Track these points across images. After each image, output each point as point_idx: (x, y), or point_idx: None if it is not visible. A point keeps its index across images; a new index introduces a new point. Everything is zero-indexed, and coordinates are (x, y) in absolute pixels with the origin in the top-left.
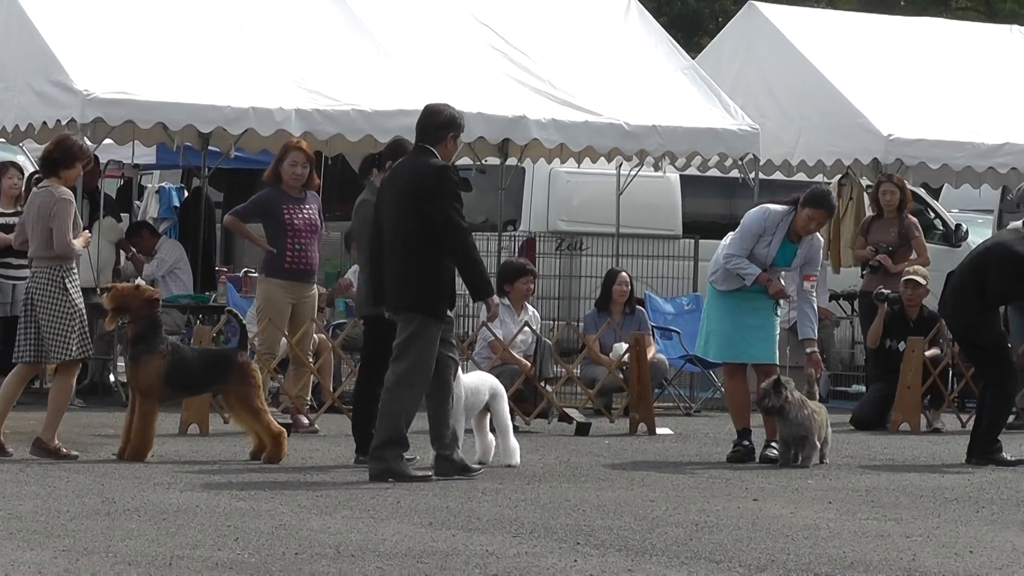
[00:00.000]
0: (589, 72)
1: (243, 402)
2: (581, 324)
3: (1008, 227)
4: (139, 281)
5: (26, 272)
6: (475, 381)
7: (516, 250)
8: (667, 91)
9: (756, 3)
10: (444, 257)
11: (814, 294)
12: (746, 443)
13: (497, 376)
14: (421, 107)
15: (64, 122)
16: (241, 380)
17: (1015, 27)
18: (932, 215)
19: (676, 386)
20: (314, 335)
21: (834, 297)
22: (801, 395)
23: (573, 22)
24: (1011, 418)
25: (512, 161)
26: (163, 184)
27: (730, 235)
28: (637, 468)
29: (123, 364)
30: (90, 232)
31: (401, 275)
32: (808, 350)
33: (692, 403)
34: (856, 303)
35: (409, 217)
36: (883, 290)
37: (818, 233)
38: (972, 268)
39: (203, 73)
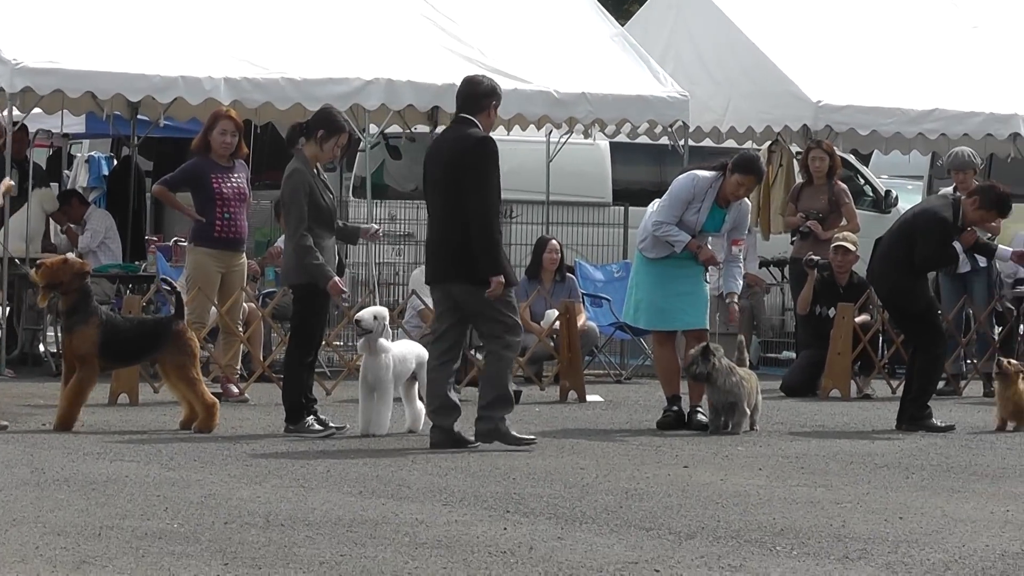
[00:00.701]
0: (519, 40)
1: (179, 371)
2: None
3: (937, 193)
4: (69, 254)
5: None
6: (402, 350)
7: None
8: (597, 58)
9: None
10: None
11: (742, 258)
12: (675, 409)
13: (427, 345)
14: (351, 75)
15: None
16: (178, 349)
17: None
18: (862, 181)
19: (606, 353)
20: (244, 304)
21: (764, 264)
22: (730, 362)
23: None
24: (941, 384)
25: (442, 129)
26: (92, 153)
27: (657, 202)
28: (567, 436)
29: (53, 334)
30: (26, 204)
31: (459, 246)
32: (727, 301)
33: (622, 370)
34: (786, 270)
35: (457, 187)
36: (813, 257)
37: (746, 198)
38: (900, 234)
39: (132, 42)
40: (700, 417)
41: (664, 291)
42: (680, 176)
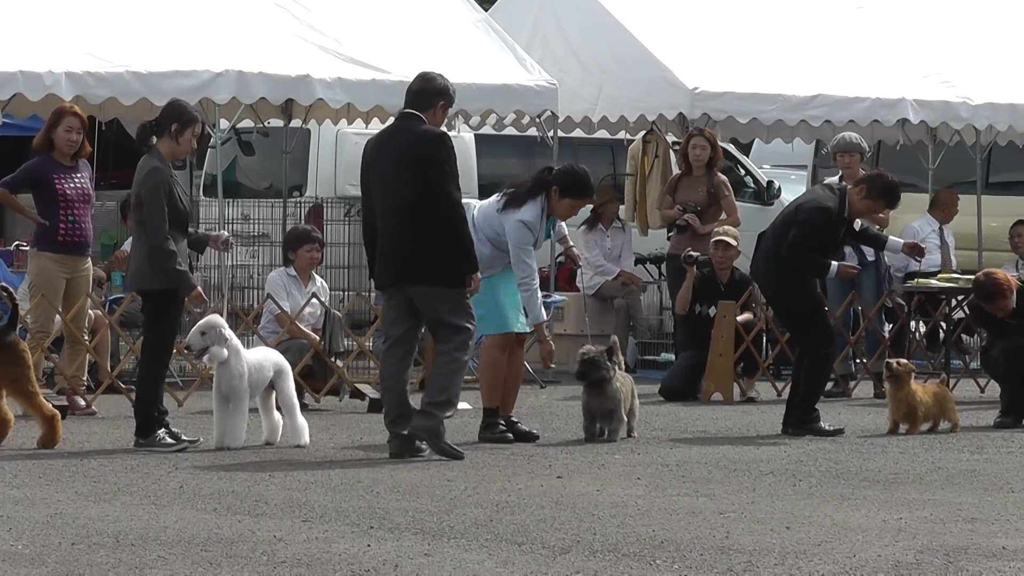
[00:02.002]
0: (377, 28)
1: (13, 385)
2: (373, 294)
3: (822, 183)
4: None
5: None
6: (259, 357)
7: (302, 217)
8: (459, 46)
9: None
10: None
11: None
12: (502, 421)
13: (284, 351)
14: (199, 67)
15: None
16: (10, 361)
17: None
18: (742, 172)
19: (475, 358)
20: (89, 311)
21: (640, 261)
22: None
23: None
24: (829, 385)
25: (297, 123)
26: None
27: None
28: None
29: None
30: None
31: (415, 247)
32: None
33: None
34: (664, 267)
35: (416, 186)
36: (691, 252)
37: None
38: (784, 227)
39: None
40: (522, 426)
41: (503, 295)
42: (511, 227)
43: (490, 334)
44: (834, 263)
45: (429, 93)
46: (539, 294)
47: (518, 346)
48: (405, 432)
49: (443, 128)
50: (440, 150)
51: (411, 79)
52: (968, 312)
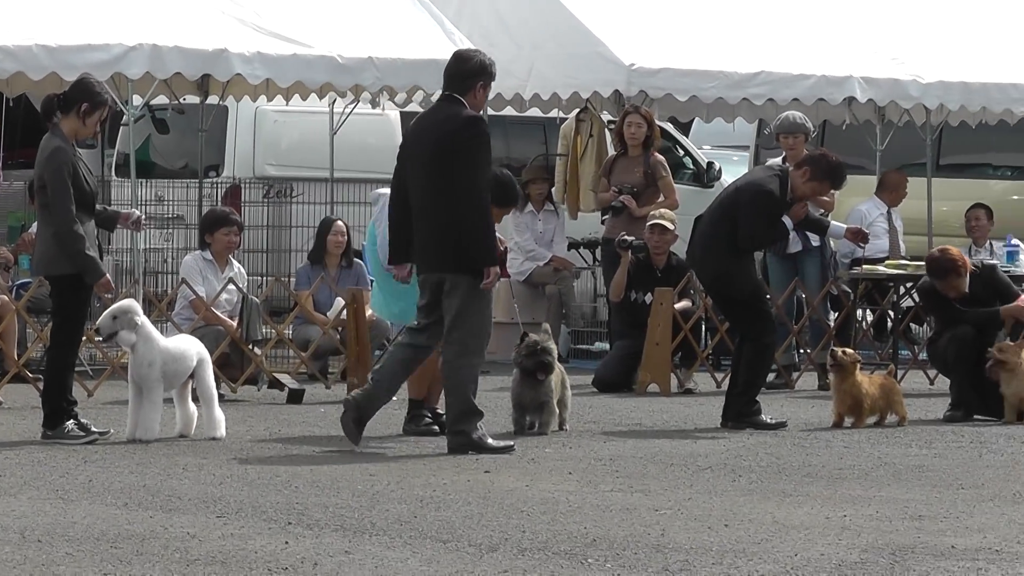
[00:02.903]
0: (297, 0)
1: None
2: (292, 279)
3: (764, 164)
4: None
5: None
6: (181, 346)
7: (219, 198)
8: (384, 19)
9: None
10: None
11: None
12: (428, 414)
13: (199, 338)
14: (111, 41)
15: None
16: None
17: None
18: (681, 153)
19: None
20: None
21: (573, 246)
22: None
23: None
24: (771, 377)
25: (214, 99)
26: None
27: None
28: None
29: None
30: None
31: (442, 234)
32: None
33: None
34: (598, 252)
35: (445, 172)
36: (626, 237)
37: None
38: (723, 211)
39: None
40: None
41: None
42: None
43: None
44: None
45: (466, 74)
46: None
47: None
48: (361, 409)
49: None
50: (467, 135)
51: (335, 54)
52: (918, 297)
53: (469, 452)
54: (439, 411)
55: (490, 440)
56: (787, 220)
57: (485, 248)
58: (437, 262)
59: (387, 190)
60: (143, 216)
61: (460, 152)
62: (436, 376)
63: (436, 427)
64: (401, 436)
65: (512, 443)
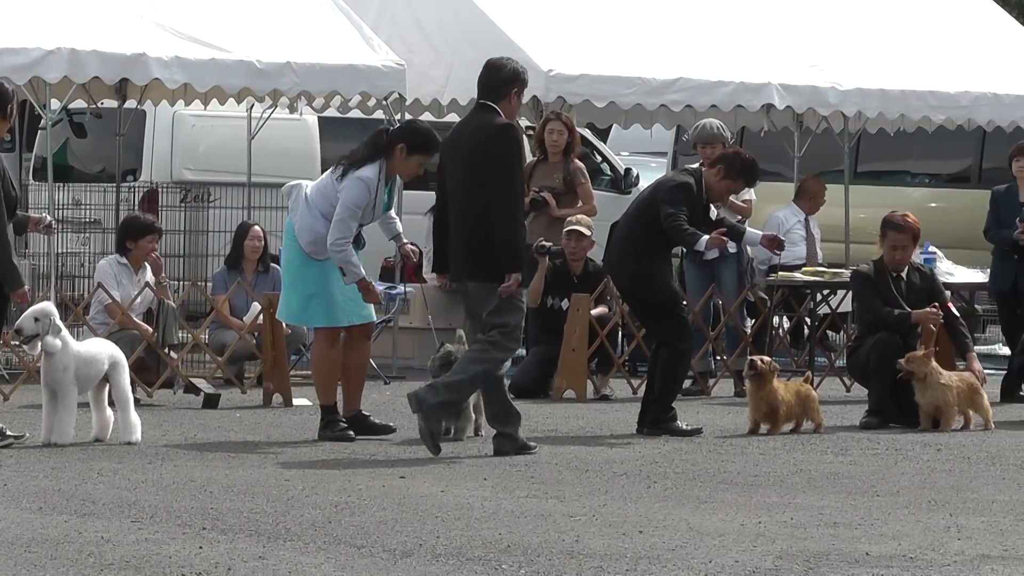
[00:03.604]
0: (216, 5)
1: None
2: (209, 284)
3: (680, 168)
4: None
5: None
6: (92, 350)
7: (136, 203)
8: (303, 24)
9: None
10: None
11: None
12: (342, 419)
13: (115, 343)
14: (29, 44)
15: None
16: None
17: None
18: (599, 159)
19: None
20: None
21: None
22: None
23: None
24: (687, 383)
25: (132, 103)
26: None
27: (309, 201)
28: (271, 444)
29: None
30: None
31: (476, 242)
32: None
33: None
34: None
35: (480, 179)
36: (544, 243)
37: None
38: (638, 215)
39: None
40: (374, 420)
41: (337, 285)
42: (350, 184)
43: (319, 327)
44: (704, 235)
45: (499, 82)
46: (353, 253)
47: (363, 339)
48: (508, 431)
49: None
50: (499, 143)
51: (253, 59)
52: (849, 280)
53: (514, 455)
54: (364, 413)
55: (529, 443)
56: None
57: (512, 255)
58: (470, 270)
59: (300, 181)
60: (53, 220)
61: (493, 159)
62: (355, 379)
63: (351, 432)
64: (316, 441)
65: (533, 445)
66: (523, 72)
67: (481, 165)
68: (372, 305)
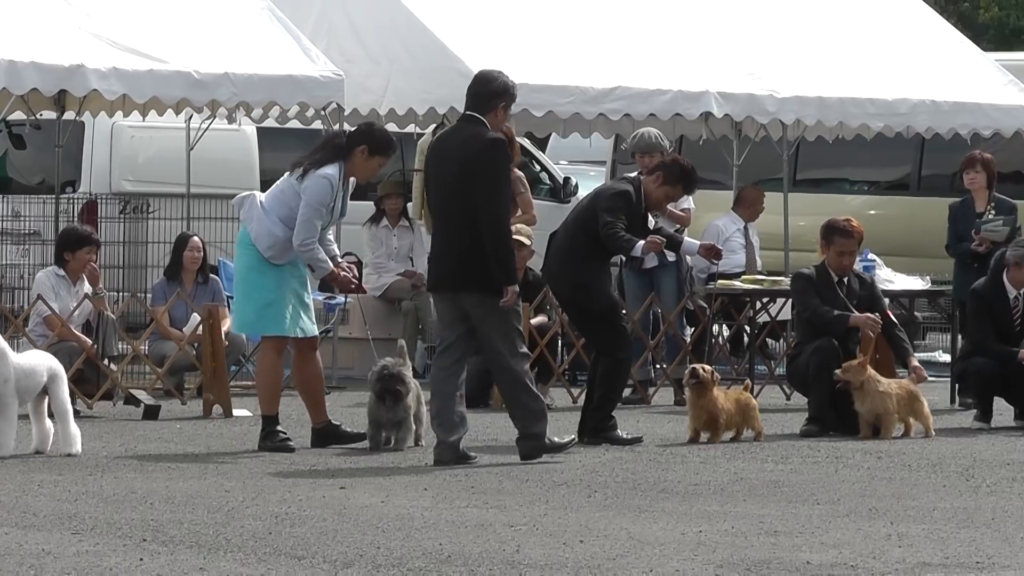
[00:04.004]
0: (155, 16)
1: None
2: (149, 296)
3: (618, 177)
4: None
5: None
6: (31, 361)
7: (75, 214)
8: (241, 35)
9: None
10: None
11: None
12: (282, 429)
13: (54, 354)
14: None
15: None
16: None
17: None
18: (538, 168)
19: (255, 363)
20: None
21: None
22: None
23: None
24: (627, 392)
25: (70, 115)
26: None
27: (261, 202)
28: (212, 455)
29: None
30: None
31: (463, 253)
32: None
33: None
34: None
35: (468, 192)
36: None
37: None
38: (577, 225)
39: None
40: (345, 428)
41: (290, 293)
42: (314, 182)
43: (266, 336)
44: (639, 240)
45: (488, 95)
46: (321, 250)
47: (311, 351)
48: (452, 439)
49: (501, 131)
50: (489, 156)
51: (191, 69)
52: (790, 282)
53: (543, 456)
54: (335, 422)
55: (556, 438)
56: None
57: (506, 268)
58: (458, 281)
59: (252, 192)
60: None
61: (482, 172)
62: (314, 390)
63: (291, 442)
64: (256, 452)
65: (574, 437)
66: (512, 87)
67: (470, 177)
68: (313, 319)
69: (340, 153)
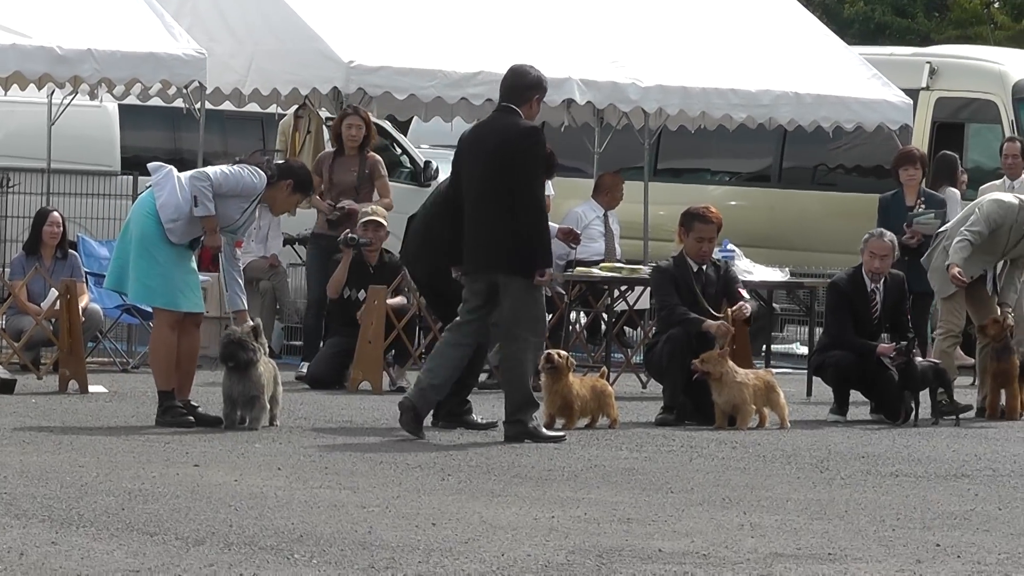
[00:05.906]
0: None
1: None
2: (7, 270)
3: None
4: None
5: None
6: None
7: None
8: (105, 12)
9: None
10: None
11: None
12: (180, 404)
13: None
14: None
15: None
16: None
17: None
18: (399, 151)
19: (112, 339)
20: None
21: (289, 241)
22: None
23: None
24: (483, 377)
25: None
26: None
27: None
28: (66, 430)
29: None
30: None
31: (497, 238)
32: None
33: (129, 358)
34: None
35: (504, 179)
36: (352, 235)
37: None
38: (435, 209)
39: None
40: (203, 411)
41: (183, 269)
42: (248, 170)
43: (159, 309)
44: None
45: (523, 87)
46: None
47: (194, 327)
48: (431, 394)
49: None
50: (527, 145)
51: (54, 45)
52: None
53: (525, 441)
54: (193, 403)
55: (544, 430)
56: None
57: (544, 250)
58: (491, 264)
59: (164, 164)
60: None
61: (518, 160)
62: (185, 367)
63: (191, 418)
64: (111, 428)
65: (563, 434)
66: (544, 80)
67: (508, 164)
68: (201, 296)
69: (269, 178)
